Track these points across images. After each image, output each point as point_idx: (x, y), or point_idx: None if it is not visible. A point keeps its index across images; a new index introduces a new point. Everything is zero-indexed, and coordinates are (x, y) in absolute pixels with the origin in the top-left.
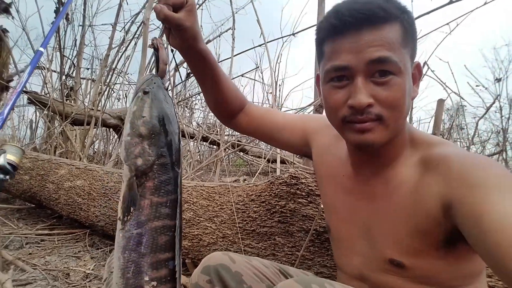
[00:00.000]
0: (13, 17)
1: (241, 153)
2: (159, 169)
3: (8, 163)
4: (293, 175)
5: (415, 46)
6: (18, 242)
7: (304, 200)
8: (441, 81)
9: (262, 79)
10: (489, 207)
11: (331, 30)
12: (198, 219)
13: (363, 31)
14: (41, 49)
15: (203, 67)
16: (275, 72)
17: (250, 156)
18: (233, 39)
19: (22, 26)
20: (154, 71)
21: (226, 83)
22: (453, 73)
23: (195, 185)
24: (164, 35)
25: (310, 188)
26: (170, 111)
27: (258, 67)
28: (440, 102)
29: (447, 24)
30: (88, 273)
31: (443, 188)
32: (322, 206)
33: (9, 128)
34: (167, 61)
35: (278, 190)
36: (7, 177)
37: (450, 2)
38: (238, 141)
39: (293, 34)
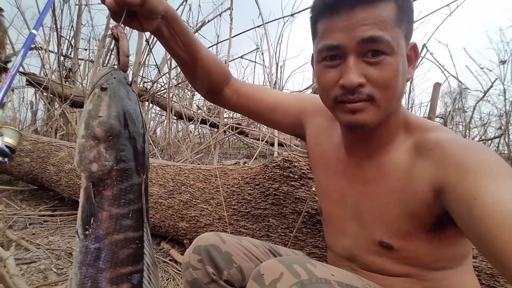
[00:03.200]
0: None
1: (241, 136)
2: (118, 175)
3: (6, 146)
4: (286, 158)
5: (411, 27)
6: (21, 223)
7: (297, 183)
8: (439, 63)
9: (263, 60)
10: (481, 192)
11: (325, 8)
12: (195, 201)
13: (356, 9)
14: (34, 31)
15: (178, 40)
16: (276, 53)
17: (250, 139)
18: (231, 20)
19: (17, 5)
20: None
21: (203, 51)
22: (451, 55)
23: (192, 168)
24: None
25: (302, 171)
26: (133, 109)
27: (258, 48)
28: (436, 86)
29: (447, 5)
30: None
31: (435, 172)
32: (314, 188)
33: (10, 110)
34: (128, 52)
35: (272, 173)
36: (6, 159)
37: None
38: (237, 124)
39: (292, 15)
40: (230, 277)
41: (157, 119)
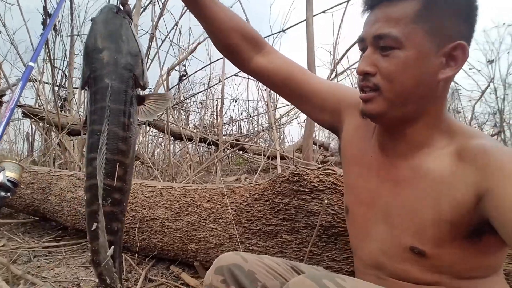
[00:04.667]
0: (0, 32)
1: (241, 152)
2: (91, 83)
3: (8, 180)
4: (295, 172)
5: (450, 24)
6: (25, 256)
7: (308, 196)
8: None
9: None
10: None
11: (362, 6)
12: (203, 222)
13: (380, 7)
14: (31, 63)
15: None
16: None
17: (250, 155)
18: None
19: (10, 40)
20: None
21: (222, 11)
22: None
23: (197, 188)
24: None
25: (312, 184)
26: (106, 30)
27: None
28: None
29: None
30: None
31: (479, 178)
32: (326, 201)
33: (6, 143)
34: None
35: (281, 188)
36: (8, 194)
37: None
38: (236, 140)
39: (283, 31)
40: None
41: (154, 141)
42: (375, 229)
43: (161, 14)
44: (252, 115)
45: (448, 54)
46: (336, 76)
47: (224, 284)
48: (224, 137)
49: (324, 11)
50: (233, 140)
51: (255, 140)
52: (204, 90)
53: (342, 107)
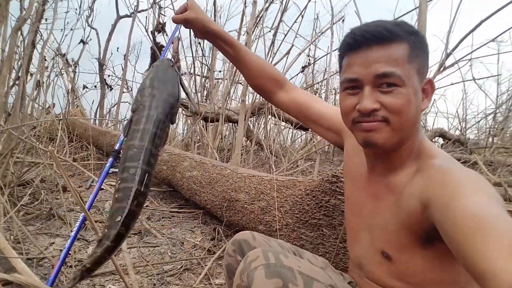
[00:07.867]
0: (167, 34)
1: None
2: (140, 109)
3: None
4: (334, 174)
5: (425, 64)
6: (157, 216)
7: (343, 197)
8: None
9: None
10: (456, 202)
11: (346, 48)
12: (269, 208)
13: (372, 49)
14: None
15: (223, 45)
16: None
17: None
18: (332, 34)
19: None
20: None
21: (251, 59)
22: None
23: (270, 179)
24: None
25: None
26: (161, 76)
27: None
28: None
29: None
30: (196, 244)
31: (423, 189)
32: None
33: None
34: (176, 50)
35: (324, 186)
36: None
37: None
38: None
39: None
40: None
41: (276, 130)
42: (361, 235)
43: (284, 10)
44: None
45: (423, 89)
46: (444, 69)
47: (234, 253)
48: None
49: None
50: None
51: None
52: (322, 80)
53: (343, 131)
